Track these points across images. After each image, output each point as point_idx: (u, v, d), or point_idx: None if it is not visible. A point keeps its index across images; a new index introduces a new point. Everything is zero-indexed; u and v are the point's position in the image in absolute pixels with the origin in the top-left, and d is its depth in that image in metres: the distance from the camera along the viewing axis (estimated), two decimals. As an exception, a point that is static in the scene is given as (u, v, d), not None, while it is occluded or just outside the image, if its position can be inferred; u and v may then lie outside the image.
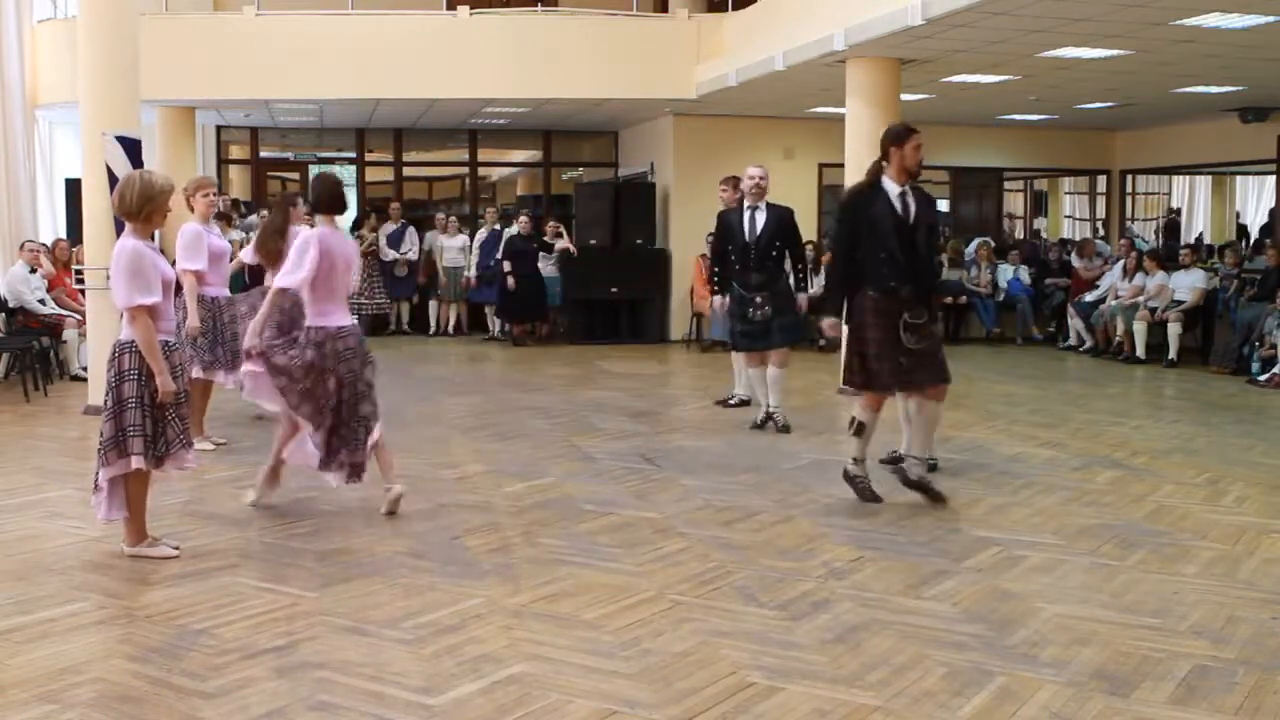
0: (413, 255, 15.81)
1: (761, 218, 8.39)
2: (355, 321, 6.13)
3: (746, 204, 8.48)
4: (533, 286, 14.73)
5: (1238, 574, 5.10)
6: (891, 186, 6.22)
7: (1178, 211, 19.82)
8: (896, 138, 6.26)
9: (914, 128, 6.34)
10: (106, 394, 5.19)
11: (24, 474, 7.01)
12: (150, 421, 5.14)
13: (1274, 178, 15.49)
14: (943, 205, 20.39)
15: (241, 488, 6.60)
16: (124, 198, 5.14)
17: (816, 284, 14.50)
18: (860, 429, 6.28)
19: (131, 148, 9.12)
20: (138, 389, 5.11)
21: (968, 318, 15.46)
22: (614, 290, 15.05)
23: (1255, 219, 19.19)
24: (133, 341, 5.11)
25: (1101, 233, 17.54)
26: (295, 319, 6.40)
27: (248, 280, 13.00)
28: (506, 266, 14.55)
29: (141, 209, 5.13)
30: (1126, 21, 8.86)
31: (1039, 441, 8.21)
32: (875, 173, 6.29)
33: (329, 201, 6.01)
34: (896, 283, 6.11)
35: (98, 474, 5.21)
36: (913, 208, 6.24)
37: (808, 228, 13.36)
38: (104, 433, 5.17)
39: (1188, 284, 13.05)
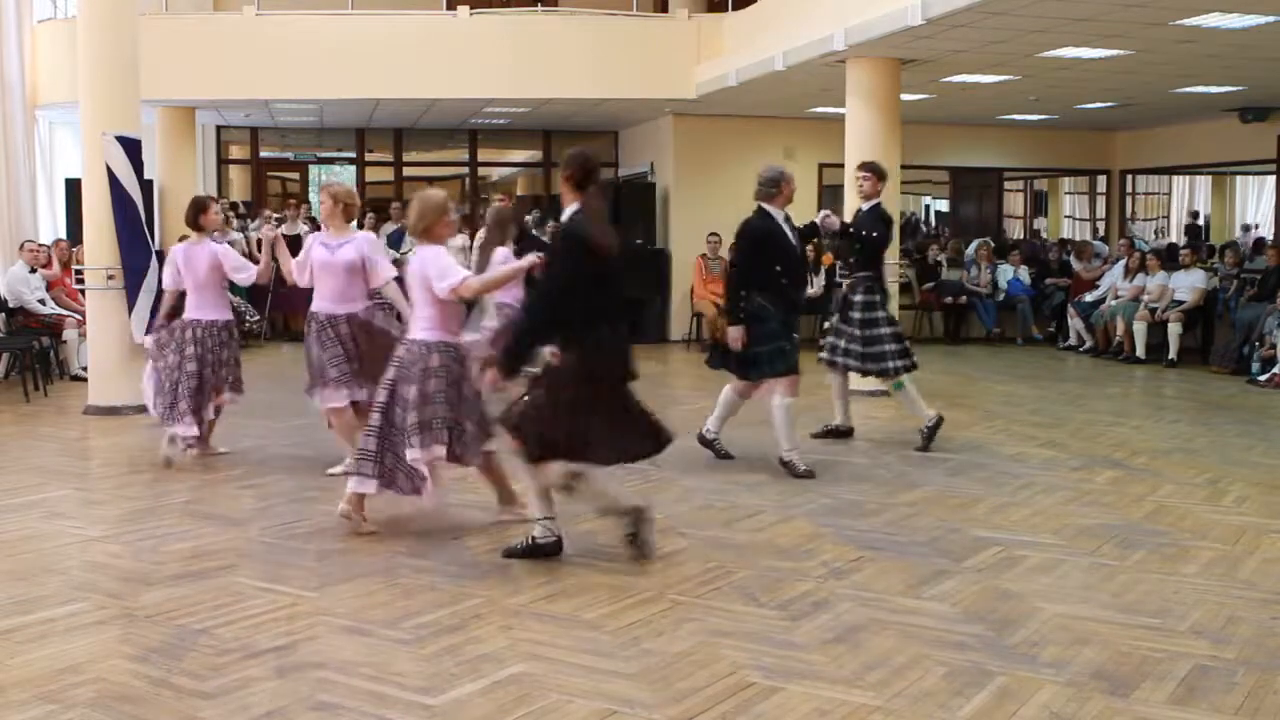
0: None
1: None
2: (223, 319, 7.37)
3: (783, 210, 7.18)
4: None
5: (1238, 574, 5.10)
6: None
7: (1196, 214, 19.81)
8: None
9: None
10: (420, 384, 5.36)
11: (24, 474, 7.01)
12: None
13: (1274, 178, 15.49)
14: (943, 205, 20.48)
15: (242, 488, 6.62)
16: (409, 219, 5.67)
17: (817, 284, 14.56)
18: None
19: (131, 148, 9.13)
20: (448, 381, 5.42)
21: (968, 318, 15.46)
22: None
23: (1255, 219, 19.17)
24: (442, 342, 5.43)
25: (1101, 233, 17.54)
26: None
27: (252, 292, 13.04)
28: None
29: (418, 226, 5.53)
30: (1126, 21, 8.85)
31: (1039, 441, 8.21)
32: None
33: (190, 218, 7.43)
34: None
35: (416, 462, 5.38)
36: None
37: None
38: (429, 424, 5.37)
39: (1188, 284, 13.04)
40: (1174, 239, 18.12)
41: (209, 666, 3.93)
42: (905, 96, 10.98)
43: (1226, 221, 19.70)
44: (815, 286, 14.57)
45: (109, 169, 9.05)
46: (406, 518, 5.93)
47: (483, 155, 17.89)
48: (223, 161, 17.14)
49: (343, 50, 13.27)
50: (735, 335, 7.01)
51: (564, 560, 5.23)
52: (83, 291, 10.05)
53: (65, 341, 11.11)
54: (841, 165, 11.14)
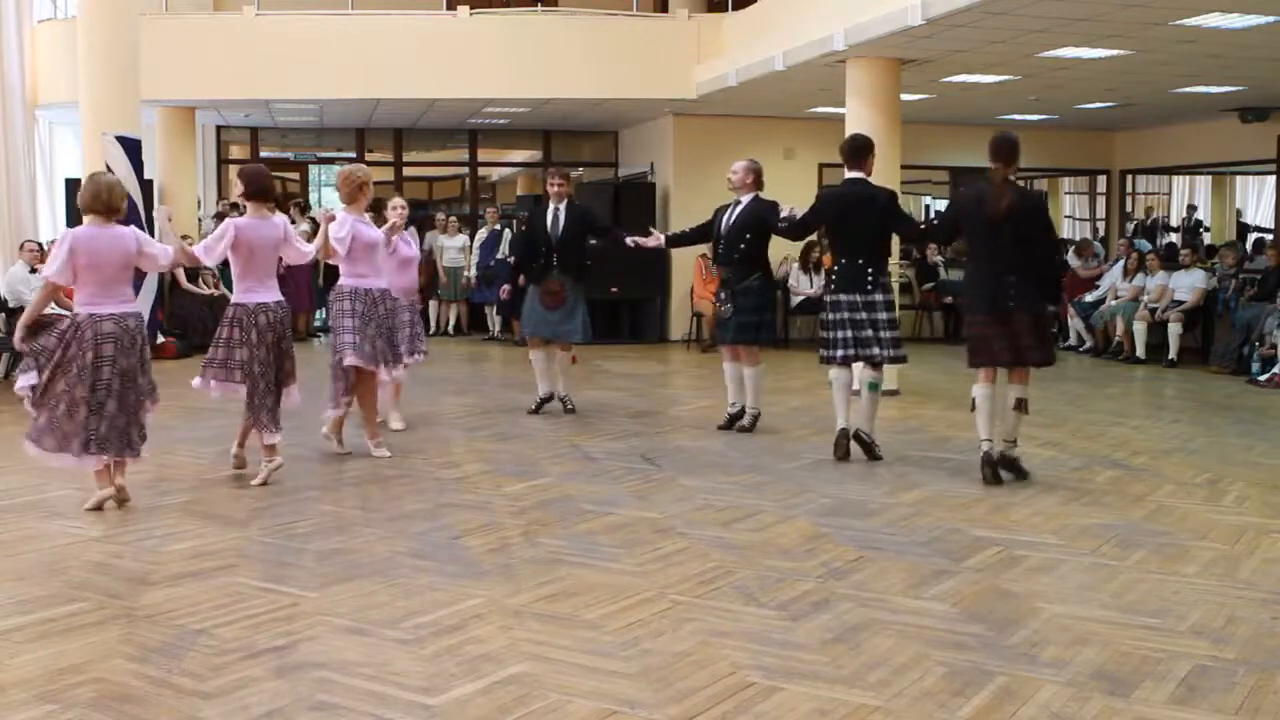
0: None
1: (737, 210, 8.36)
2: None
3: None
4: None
5: (1238, 574, 5.10)
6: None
7: (1193, 209, 19.78)
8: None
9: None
10: None
11: (24, 474, 6.99)
12: None
13: (1274, 178, 15.50)
14: (943, 205, 20.44)
15: (242, 488, 6.62)
16: None
17: (817, 283, 14.55)
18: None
19: (131, 148, 9.15)
20: None
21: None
22: (614, 290, 15.01)
23: (1256, 218, 19.16)
24: None
25: (1101, 233, 17.54)
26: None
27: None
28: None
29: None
30: (1126, 21, 8.86)
31: (1039, 441, 8.20)
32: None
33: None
34: None
35: None
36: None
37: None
38: None
39: (1188, 284, 13.05)
40: (1173, 239, 18.12)
41: (209, 666, 3.93)
42: (905, 96, 10.98)
43: (1226, 222, 19.69)
44: (814, 286, 14.64)
45: (109, 169, 9.05)
46: (406, 517, 5.94)
47: (483, 155, 17.90)
48: (223, 161, 17.15)
49: (343, 50, 13.29)
50: None
51: (564, 560, 5.23)
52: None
53: (65, 341, 11.09)
54: (841, 165, 11.12)
